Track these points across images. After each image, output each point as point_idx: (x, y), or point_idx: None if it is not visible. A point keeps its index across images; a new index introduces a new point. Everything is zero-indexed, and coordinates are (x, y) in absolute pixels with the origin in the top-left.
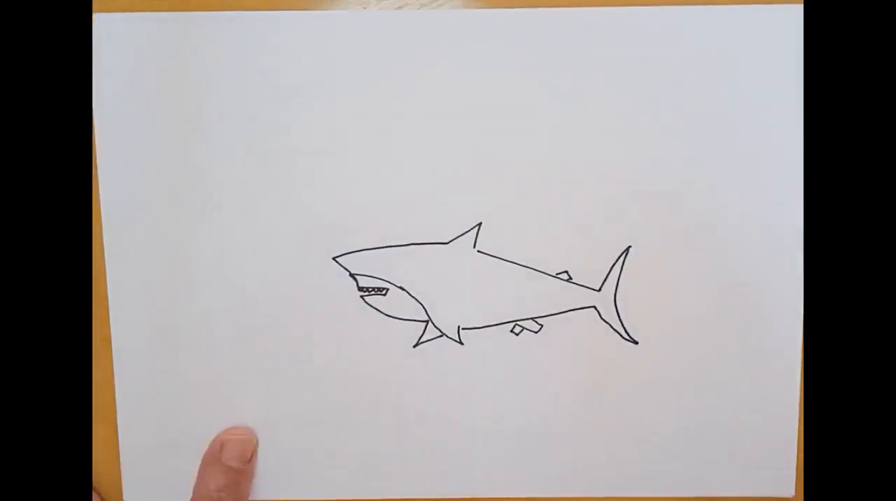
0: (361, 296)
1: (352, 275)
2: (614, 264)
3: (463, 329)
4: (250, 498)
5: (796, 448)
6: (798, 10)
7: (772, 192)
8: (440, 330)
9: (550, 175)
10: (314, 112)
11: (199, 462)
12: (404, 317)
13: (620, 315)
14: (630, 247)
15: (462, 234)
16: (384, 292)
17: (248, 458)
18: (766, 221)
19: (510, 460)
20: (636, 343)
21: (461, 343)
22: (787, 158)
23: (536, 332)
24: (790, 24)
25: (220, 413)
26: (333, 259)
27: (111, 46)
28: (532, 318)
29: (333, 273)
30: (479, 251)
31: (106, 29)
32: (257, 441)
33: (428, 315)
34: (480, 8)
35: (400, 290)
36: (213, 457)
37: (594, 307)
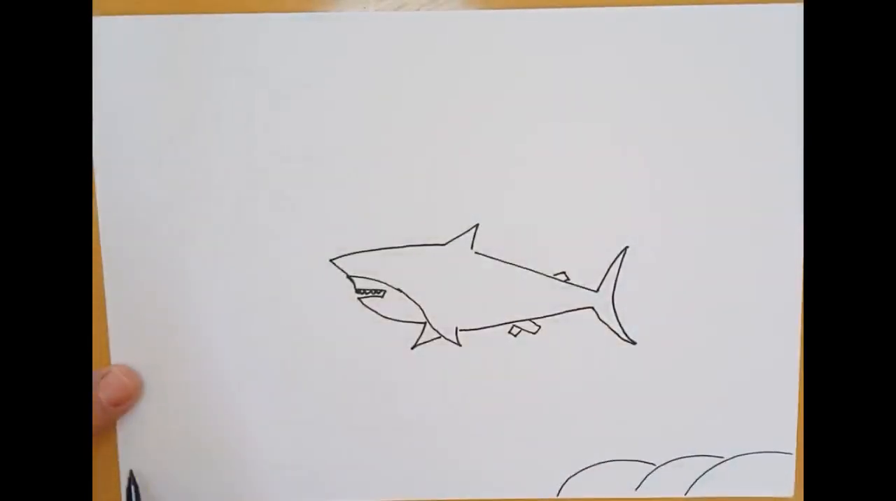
0: (359, 298)
1: (349, 277)
2: (612, 264)
3: (461, 330)
4: None
5: (795, 448)
6: (798, 10)
7: (772, 192)
8: (438, 332)
9: (548, 175)
10: (313, 113)
11: (198, 462)
12: (402, 319)
13: (618, 315)
14: (628, 247)
15: (459, 236)
16: (381, 294)
17: (118, 402)
18: (766, 221)
19: (509, 461)
20: (634, 343)
21: (459, 344)
22: (787, 158)
23: (534, 333)
24: (790, 24)
25: (218, 413)
26: (331, 261)
27: (111, 49)
28: (530, 319)
29: (331, 275)
30: (476, 252)
31: (106, 31)
32: (139, 388)
33: (425, 316)
34: (480, 8)
35: (397, 292)
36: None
37: (592, 308)
